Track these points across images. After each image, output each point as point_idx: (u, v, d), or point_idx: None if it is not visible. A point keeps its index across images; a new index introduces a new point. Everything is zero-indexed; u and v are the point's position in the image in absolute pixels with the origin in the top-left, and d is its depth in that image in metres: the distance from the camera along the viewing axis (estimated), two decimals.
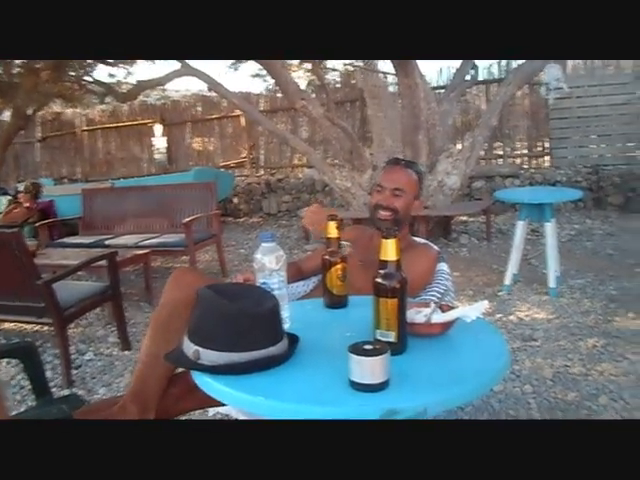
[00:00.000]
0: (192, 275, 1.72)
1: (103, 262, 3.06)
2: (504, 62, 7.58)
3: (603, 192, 6.46)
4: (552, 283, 3.57)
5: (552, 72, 5.42)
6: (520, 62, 6.47)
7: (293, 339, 1.23)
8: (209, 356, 1.14)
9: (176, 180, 6.07)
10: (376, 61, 6.11)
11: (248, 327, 1.14)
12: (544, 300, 3.50)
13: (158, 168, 9.49)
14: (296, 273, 1.93)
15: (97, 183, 7.41)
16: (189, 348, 1.17)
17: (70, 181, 10.03)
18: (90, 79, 7.32)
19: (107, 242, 4.43)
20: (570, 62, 7.39)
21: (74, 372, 2.80)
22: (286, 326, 1.28)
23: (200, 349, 1.14)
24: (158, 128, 9.44)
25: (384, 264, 1.18)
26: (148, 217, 4.96)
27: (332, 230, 1.50)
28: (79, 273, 3.77)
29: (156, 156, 9.57)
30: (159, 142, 9.46)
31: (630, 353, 2.65)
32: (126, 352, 3.06)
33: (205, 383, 1.13)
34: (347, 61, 8.44)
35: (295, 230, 6.61)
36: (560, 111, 7.22)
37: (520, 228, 3.67)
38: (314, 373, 1.14)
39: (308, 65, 8.36)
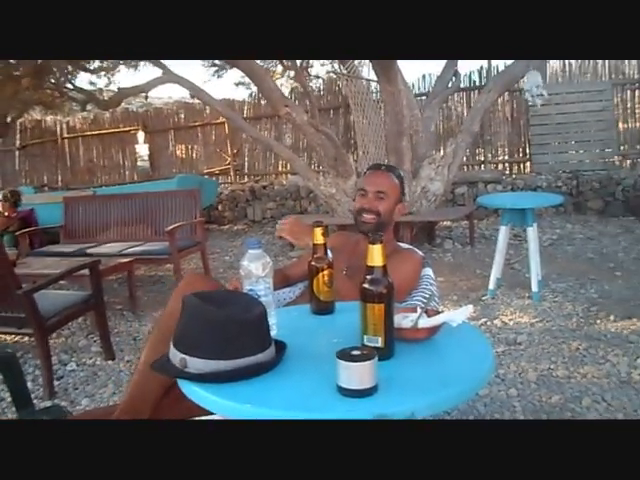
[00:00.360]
0: (203, 282, 1.63)
1: (85, 271, 3.03)
2: (485, 69, 7.69)
3: (583, 197, 6.56)
4: (535, 287, 3.61)
5: (532, 79, 5.51)
6: (501, 69, 6.57)
7: (280, 346, 1.23)
8: (196, 364, 1.13)
9: (159, 187, 6.03)
10: (359, 68, 6.15)
11: (236, 334, 1.13)
12: (527, 304, 3.54)
13: (141, 176, 9.43)
14: (282, 280, 1.93)
15: (79, 191, 7.34)
16: (175, 356, 1.16)
17: (51, 189, 9.91)
18: (71, 86, 7.25)
19: (89, 251, 4.38)
20: (549, 69, 7.52)
21: (56, 383, 2.76)
22: (273, 333, 1.28)
23: (187, 357, 1.14)
24: (141, 135, 9.39)
25: (371, 270, 1.19)
26: (131, 225, 4.92)
27: (318, 236, 1.50)
28: (61, 282, 3.72)
29: (139, 163, 9.51)
30: (142, 149, 9.41)
31: (612, 355, 2.69)
32: (109, 362, 3.02)
33: (192, 392, 1.12)
34: (330, 68, 8.49)
35: None
36: (540, 117, 7.33)
37: (503, 233, 3.71)
38: (301, 380, 1.13)
39: (291, 72, 8.40)
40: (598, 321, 3.18)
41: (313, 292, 1.51)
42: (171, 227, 4.24)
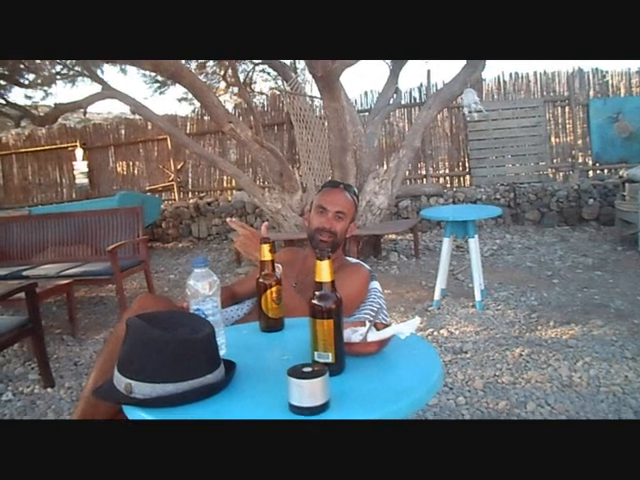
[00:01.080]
0: (155, 303, 1.59)
1: (21, 294, 2.88)
2: (424, 87, 7.93)
3: (520, 208, 6.83)
4: (478, 296, 3.71)
5: (468, 96, 5.75)
6: (440, 86, 6.78)
7: (230, 365, 1.21)
8: (142, 389, 1.09)
9: (100, 206, 5.85)
10: (302, 85, 6.20)
11: (183, 355, 1.10)
12: (471, 313, 3.63)
13: (80, 193, 9.14)
14: (230, 297, 1.89)
15: (13, 211, 7.03)
16: (120, 381, 1.12)
17: None
18: (3, 101, 6.97)
19: (25, 273, 4.18)
20: (484, 87, 7.84)
21: None
22: (222, 352, 1.26)
23: (132, 382, 1.09)
24: (79, 152, 9.10)
25: (319, 286, 1.19)
26: (70, 245, 4.74)
27: (265, 253, 1.49)
28: None
29: (77, 181, 9.22)
30: (80, 166, 9.12)
31: (553, 360, 2.79)
32: (49, 390, 2.88)
33: (139, 418, 1.08)
34: (274, 85, 8.53)
35: (226, 253, 6.53)
36: (478, 133, 7.62)
37: (446, 244, 3.81)
38: (253, 400, 1.11)
39: (235, 89, 8.38)
40: (539, 327, 3.29)
41: (262, 309, 1.50)
42: (112, 246, 4.10)
